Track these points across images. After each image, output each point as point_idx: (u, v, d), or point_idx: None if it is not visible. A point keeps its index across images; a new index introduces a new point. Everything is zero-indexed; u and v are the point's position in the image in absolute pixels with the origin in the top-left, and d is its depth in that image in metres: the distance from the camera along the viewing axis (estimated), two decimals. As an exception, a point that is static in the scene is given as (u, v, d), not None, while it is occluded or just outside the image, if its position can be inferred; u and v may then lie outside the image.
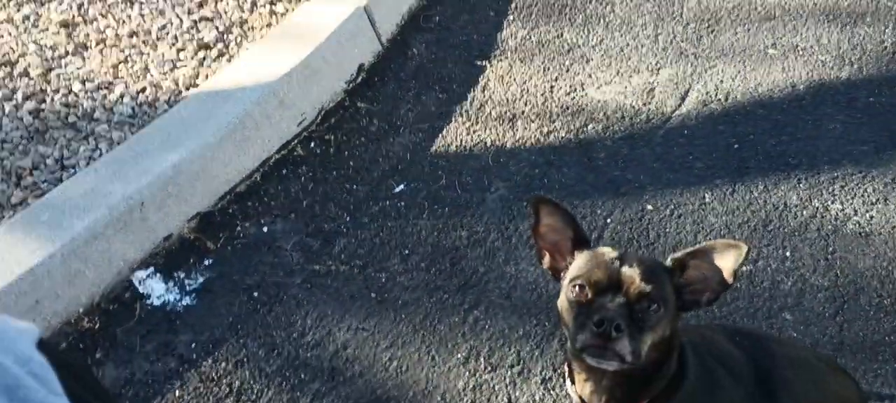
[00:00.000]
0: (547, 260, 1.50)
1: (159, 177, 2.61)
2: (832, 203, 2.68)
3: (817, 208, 2.66)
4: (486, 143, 3.11)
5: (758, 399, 1.50)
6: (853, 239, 2.53)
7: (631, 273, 1.33)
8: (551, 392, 2.14)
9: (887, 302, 2.31)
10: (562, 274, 1.46)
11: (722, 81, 3.27)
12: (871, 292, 2.35)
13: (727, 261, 1.35)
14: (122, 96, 3.03)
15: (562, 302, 1.43)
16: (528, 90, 3.33)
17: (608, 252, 1.41)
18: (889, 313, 2.27)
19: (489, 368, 2.23)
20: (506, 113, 3.23)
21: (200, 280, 2.59)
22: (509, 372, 2.22)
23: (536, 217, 1.47)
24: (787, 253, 2.50)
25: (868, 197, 2.69)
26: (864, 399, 1.69)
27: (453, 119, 3.22)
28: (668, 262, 1.40)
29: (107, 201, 2.51)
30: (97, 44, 3.30)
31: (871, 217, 2.61)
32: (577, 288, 1.36)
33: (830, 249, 2.51)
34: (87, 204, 2.51)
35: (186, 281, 2.59)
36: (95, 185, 2.58)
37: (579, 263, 1.42)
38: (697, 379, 1.42)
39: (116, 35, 3.35)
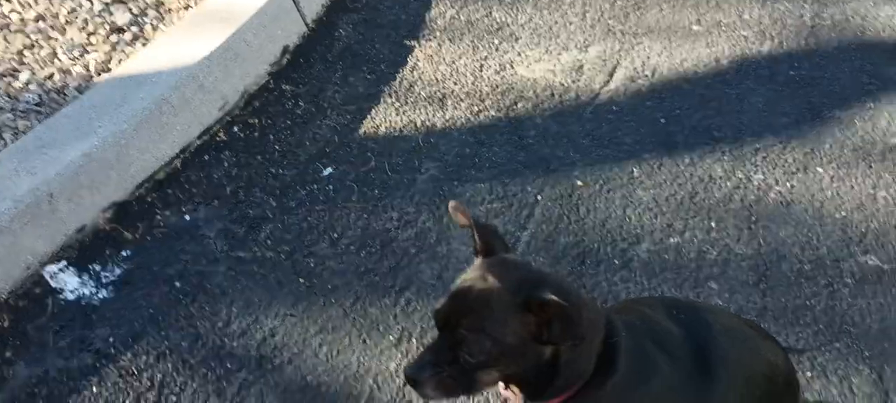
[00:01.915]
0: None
1: (69, 167, 2.47)
2: (755, 173, 2.73)
3: (741, 179, 2.72)
4: (415, 124, 3.06)
5: (696, 377, 1.49)
6: (775, 209, 2.59)
7: (458, 316, 1.29)
8: (484, 370, 2.12)
9: (807, 267, 2.37)
10: None
11: (649, 58, 3.31)
12: (792, 259, 2.41)
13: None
14: (27, 83, 2.86)
15: None
16: (457, 69, 3.29)
17: (475, 271, 1.34)
18: (809, 278, 2.33)
19: (422, 348, 2.19)
20: (435, 93, 3.19)
21: (118, 272, 2.47)
22: (442, 353, 2.18)
23: (454, 218, 1.45)
24: (713, 224, 2.55)
25: (789, 166, 2.75)
26: (790, 365, 1.71)
27: (382, 100, 3.16)
28: (522, 299, 1.27)
29: (12, 193, 2.36)
30: (0, 29, 3.11)
31: (792, 186, 2.67)
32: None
33: (753, 219, 2.56)
34: (-9, 196, 2.35)
35: (103, 274, 2.46)
36: (-1, 176, 2.42)
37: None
38: (630, 369, 1.39)
39: (22, 19, 3.16)
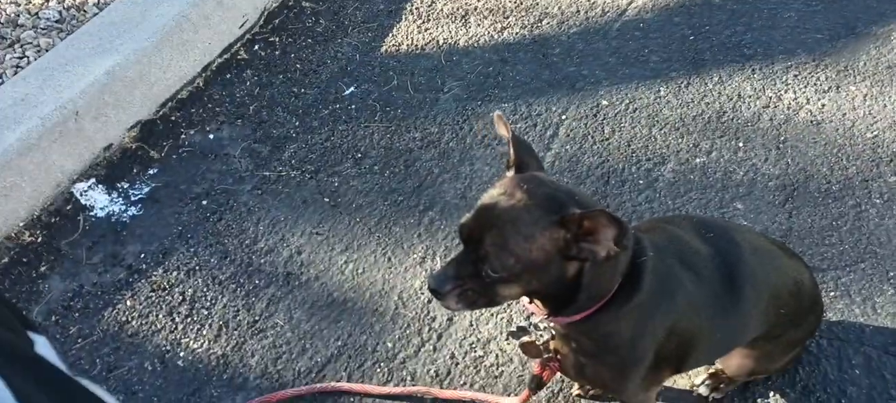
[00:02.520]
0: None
1: (93, 85, 2.47)
2: (785, 92, 2.68)
3: (770, 98, 2.66)
4: (437, 42, 3.01)
5: (721, 295, 1.50)
6: (804, 128, 2.55)
7: (482, 231, 1.28)
8: (507, 287, 2.14)
9: (835, 188, 2.34)
10: None
11: (678, -28, 3.20)
12: (820, 179, 2.38)
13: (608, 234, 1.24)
14: (47, 0, 2.84)
15: None
16: (480, -15, 3.21)
17: (503, 186, 1.32)
18: (837, 199, 2.31)
19: (445, 262, 2.22)
20: (458, 9, 3.13)
21: (145, 190, 2.50)
22: (465, 270, 2.21)
23: (498, 129, 1.43)
24: (740, 144, 2.51)
25: (821, 85, 2.69)
26: (816, 284, 1.71)
27: (403, 17, 3.11)
28: (557, 217, 1.26)
29: (38, 111, 2.38)
30: (18, -57, 3.06)
31: (823, 105, 2.62)
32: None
33: (782, 138, 2.52)
34: (18, 114, 2.37)
35: (131, 192, 2.49)
36: (25, 95, 2.43)
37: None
38: (655, 288, 1.40)
39: (38, -67, 3.11)
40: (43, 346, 0.80)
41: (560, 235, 1.26)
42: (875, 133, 2.50)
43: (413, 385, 1.94)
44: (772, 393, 1.85)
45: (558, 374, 1.66)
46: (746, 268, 1.53)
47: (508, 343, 2.01)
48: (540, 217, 1.26)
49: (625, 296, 1.38)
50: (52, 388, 0.69)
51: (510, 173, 1.38)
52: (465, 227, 1.32)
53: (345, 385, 1.94)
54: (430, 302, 2.13)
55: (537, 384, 1.67)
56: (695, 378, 1.87)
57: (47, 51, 2.64)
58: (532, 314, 1.51)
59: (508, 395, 1.90)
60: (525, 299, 1.46)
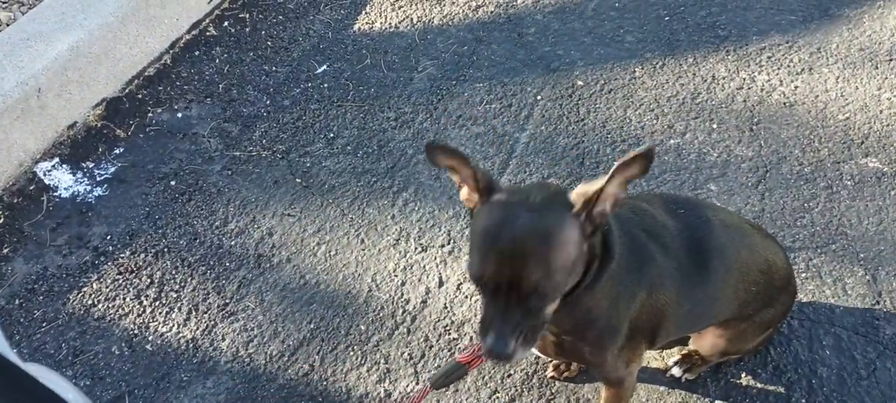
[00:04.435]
0: (464, 192, 1.31)
1: (56, 61, 2.39)
2: (759, 74, 2.68)
3: (744, 79, 2.67)
4: (412, 20, 2.96)
5: (688, 268, 1.50)
6: (777, 110, 2.56)
7: (521, 268, 1.17)
8: (482, 269, 2.13)
9: (807, 169, 2.36)
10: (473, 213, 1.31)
11: (654, -48, 3.19)
12: (792, 161, 2.39)
13: (634, 169, 1.20)
14: (8, -28, 2.74)
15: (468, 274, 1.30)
16: (455, -37, 3.17)
17: (499, 216, 1.21)
18: (809, 180, 2.32)
19: (419, 248, 2.20)
20: (433, -13, 3.08)
21: (111, 169, 2.44)
22: (440, 252, 2.19)
23: (433, 162, 1.27)
24: (714, 125, 2.51)
25: (794, 67, 2.70)
26: (789, 265, 1.72)
27: (378, -6, 3.05)
28: (574, 205, 1.21)
29: (-1, 88, 2.30)
30: (-25, -87, 2.95)
31: (796, 87, 2.63)
32: (473, 281, 1.25)
33: (755, 120, 2.53)
34: (-23, 91, 2.29)
35: (96, 171, 2.43)
36: (-16, 71, 2.35)
37: (478, 235, 1.22)
38: (623, 258, 1.38)
39: None
40: None
41: (582, 220, 1.22)
42: (847, 115, 2.52)
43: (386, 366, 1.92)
44: (743, 374, 1.86)
45: (532, 356, 1.65)
46: (715, 243, 1.53)
47: (483, 326, 1.99)
48: (564, 217, 1.20)
49: (599, 268, 1.35)
50: None
51: (483, 203, 1.26)
52: (492, 276, 1.21)
53: None
54: (403, 283, 2.11)
55: (461, 373, 1.59)
56: (668, 359, 1.88)
57: (8, 25, 2.55)
58: None
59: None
60: None
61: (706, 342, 1.76)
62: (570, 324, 1.46)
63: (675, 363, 1.86)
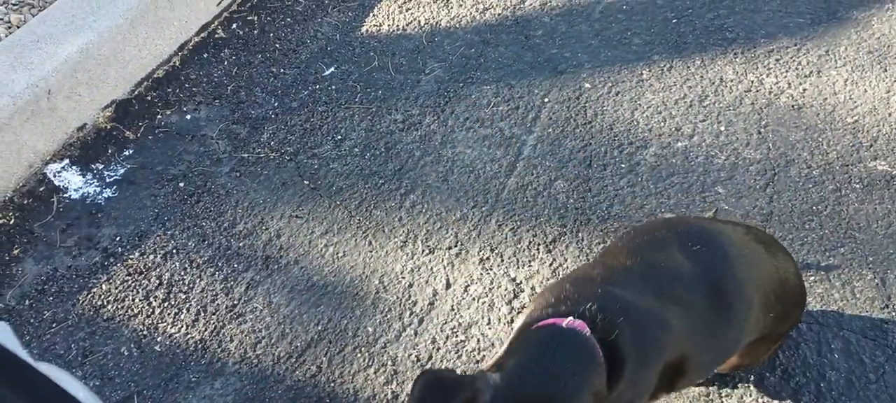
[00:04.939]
0: None
1: (66, 63, 2.41)
2: (767, 76, 2.68)
3: (752, 82, 2.66)
4: (419, 22, 2.97)
5: (709, 318, 1.44)
6: (786, 112, 2.55)
7: None
8: (489, 271, 2.13)
9: (816, 172, 2.35)
10: None
11: (661, -46, 3.18)
12: (801, 163, 2.38)
13: None
14: (18, -26, 2.76)
15: None
16: (463, -35, 3.17)
17: None
18: (817, 183, 2.32)
19: (427, 251, 2.21)
20: (440, -11, 3.09)
21: (121, 171, 2.45)
22: (447, 254, 2.19)
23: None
24: (722, 128, 2.51)
25: (802, 69, 2.69)
26: (799, 274, 1.67)
27: (385, -3, 3.06)
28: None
29: (9, 89, 2.31)
30: (-14, -84, 2.97)
31: (805, 89, 2.62)
32: None
33: (764, 123, 2.52)
34: (-12, 93, 2.30)
35: (106, 173, 2.44)
36: (-5, 73, 2.37)
37: None
38: (637, 351, 1.33)
39: None
40: (2, 332, 0.78)
41: None
42: (855, 118, 2.51)
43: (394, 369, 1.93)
44: (752, 378, 1.86)
45: None
46: (734, 282, 1.47)
47: (490, 328, 2.00)
48: None
49: (616, 375, 1.31)
50: (7, 375, 0.66)
51: None
52: None
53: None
54: (411, 285, 2.11)
55: None
56: (675, 363, 1.88)
57: (19, 27, 2.57)
58: None
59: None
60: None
61: None
62: None
63: (683, 366, 1.85)
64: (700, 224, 1.61)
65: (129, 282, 2.16)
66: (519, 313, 2.00)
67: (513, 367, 1.27)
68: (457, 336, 1.99)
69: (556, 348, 1.27)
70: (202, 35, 2.86)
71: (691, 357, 1.44)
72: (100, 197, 2.38)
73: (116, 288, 2.14)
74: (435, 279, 2.13)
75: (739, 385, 1.85)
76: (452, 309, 2.05)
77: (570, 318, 1.33)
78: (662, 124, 2.53)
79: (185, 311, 2.08)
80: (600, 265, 1.53)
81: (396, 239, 2.24)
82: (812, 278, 2.06)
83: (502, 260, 2.16)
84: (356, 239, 2.25)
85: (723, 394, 1.83)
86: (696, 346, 1.44)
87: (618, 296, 1.37)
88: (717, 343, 1.49)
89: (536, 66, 2.78)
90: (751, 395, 1.83)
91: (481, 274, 2.14)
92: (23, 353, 0.80)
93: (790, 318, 1.67)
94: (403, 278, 2.14)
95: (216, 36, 2.89)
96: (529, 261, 2.15)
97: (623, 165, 2.41)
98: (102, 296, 2.12)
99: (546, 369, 1.24)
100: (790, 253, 1.71)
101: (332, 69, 2.80)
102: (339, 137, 2.55)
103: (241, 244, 2.25)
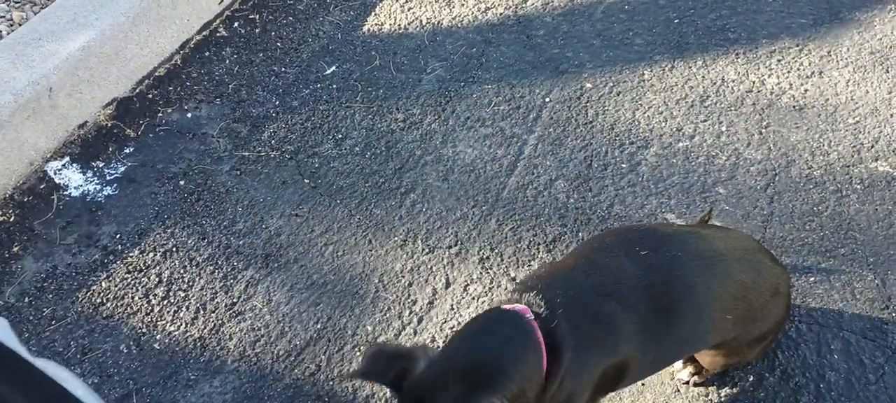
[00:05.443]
0: None
1: (68, 61, 2.41)
2: (769, 77, 2.67)
3: (754, 82, 2.66)
4: (421, 22, 2.97)
5: (651, 320, 1.45)
6: (787, 113, 2.54)
7: None
8: (488, 270, 2.13)
9: (817, 173, 2.35)
10: None
11: (663, -46, 3.18)
12: (802, 164, 2.38)
13: None
14: (20, -28, 2.76)
15: None
16: (465, -35, 3.17)
17: None
18: (818, 184, 2.31)
19: (427, 250, 2.20)
20: (442, -11, 3.09)
21: (121, 169, 2.45)
22: (447, 253, 2.19)
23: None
24: (723, 128, 2.51)
25: (804, 70, 2.69)
26: (773, 276, 1.62)
27: (387, -4, 3.06)
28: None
29: (11, 87, 2.32)
30: (-11, -86, 2.98)
31: (806, 90, 2.62)
32: None
33: (765, 123, 2.51)
34: (-11, 90, 2.31)
35: (106, 171, 2.44)
36: (-3, 70, 2.37)
37: None
38: (577, 342, 1.37)
39: None
40: (1, 329, 0.78)
41: None
42: (857, 119, 2.51)
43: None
44: (751, 378, 1.85)
45: None
46: (681, 285, 1.47)
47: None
48: None
49: (556, 366, 1.35)
50: (6, 372, 0.66)
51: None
52: None
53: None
54: (410, 284, 2.11)
55: None
56: (675, 364, 1.87)
57: (21, 25, 2.58)
58: None
59: None
60: None
61: (705, 359, 1.74)
62: None
63: (683, 369, 1.85)
64: (653, 229, 1.61)
65: (129, 280, 2.16)
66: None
67: (452, 340, 1.37)
68: (456, 335, 1.99)
69: (493, 325, 1.36)
70: (204, 33, 2.86)
71: (633, 360, 1.46)
72: (100, 194, 2.38)
73: (116, 286, 2.14)
74: (435, 278, 2.13)
75: (738, 385, 1.84)
76: (452, 308, 2.05)
77: (515, 305, 1.40)
78: (664, 124, 2.53)
79: (184, 309, 2.08)
80: (559, 263, 1.58)
81: (396, 238, 2.24)
82: (812, 279, 2.05)
83: (502, 260, 2.16)
84: (356, 238, 2.25)
85: (722, 394, 1.83)
86: (639, 348, 1.45)
87: (562, 290, 1.42)
88: (661, 345, 1.49)
89: (538, 65, 2.78)
90: (749, 395, 1.82)
91: (481, 273, 2.13)
92: (21, 350, 0.80)
93: (767, 317, 1.62)
94: (403, 277, 2.13)
95: (218, 34, 2.89)
96: (529, 261, 2.15)
97: (624, 165, 2.40)
98: (102, 294, 2.13)
99: (482, 342, 1.32)
100: (771, 257, 1.66)
101: (334, 68, 2.80)
102: (340, 136, 2.55)
103: (240, 242, 2.25)
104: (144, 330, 2.04)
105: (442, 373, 1.25)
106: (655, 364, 1.57)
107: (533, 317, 1.38)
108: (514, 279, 2.10)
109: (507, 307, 1.40)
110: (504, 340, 1.32)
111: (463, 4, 3.03)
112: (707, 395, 1.83)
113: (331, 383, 1.91)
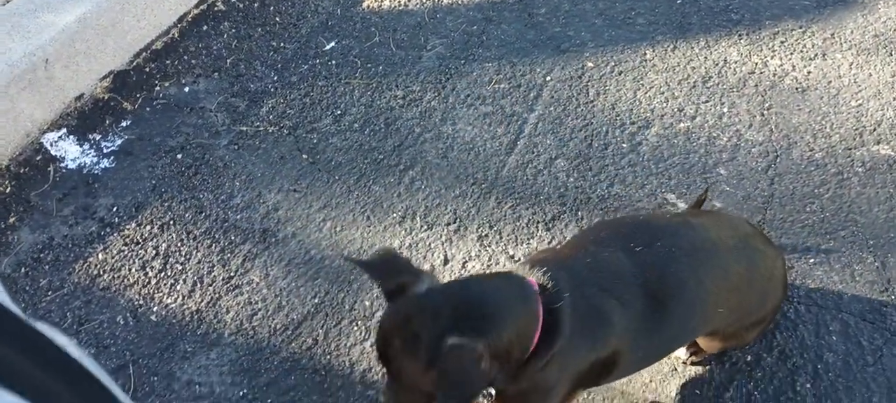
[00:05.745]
0: None
1: (64, 32, 2.39)
2: (772, 58, 2.65)
3: (756, 64, 2.64)
4: (422, -2, 2.94)
5: (644, 316, 1.44)
6: (789, 95, 2.53)
7: (385, 363, 1.27)
8: (487, 248, 2.12)
9: (818, 155, 2.33)
10: None
11: (667, -66, 3.15)
12: (803, 146, 2.37)
13: None
14: (17, -58, 2.73)
15: None
16: (466, -58, 3.14)
17: (387, 321, 1.27)
18: (819, 166, 2.30)
19: (425, 227, 2.19)
20: (443, -34, 3.06)
21: (118, 142, 2.44)
22: (446, 230, 2.18)
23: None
24: (725, 109, 2.49)
25: (807, 52, 2.67)
26: (770, 264, 1.61)
27: (387, -28, 3.03)
28: (424, 361, 1.21)
29: (6, 57, 2.29)
30: None
31: (809, 72, 2.60)
32: None
33: (767, 105, 2.50)
34: (-15, 60, 2.28)
35: (103, 143, 2.43)
36: (-7, 40, 2.35)
37: None
38: (574, 329, 1.35)
39: None
40: None
41: (433, 375, 1.21)
42: (859, 101, 2.49)
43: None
44: (748, 358, 1.85)
45: None
46: (674, 281, 1.46)
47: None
48: (415, 367, 1.23)
49: (547, 345, 1.33)
50: (3, 331, 0.65)
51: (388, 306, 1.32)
52: (379, 359, 1.30)
53: None
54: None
55: None
56: (673, 342, 1.87)
57: (16, -5, 2.55)
58: None
59: None
60: None
61: (702, 342, 1.74)
62: (515, 391, 1.41)
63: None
64: (647, 220, 1.60)
65: (126, 252, 2.15)
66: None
67: (459, 279, 1.40)
68: (454, 311, 1.98)
69: (502, 280, 1.37)
70: (202, 7, 2.83)
71: (622, 356, 1.45)
72: (97, 167, 2.37)
73: (113, 258, 2.13)
74: (433, 255, 2.12)
75: (736, 363, 1.84)
76: (450, 285, 2.04)
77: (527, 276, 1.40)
78: (665, 104, 2.51)
79: (181, 282, 2.08)
80: (561, 251, 1.56)
81: (395, 215, 2.23)
82: (812, 260, 2.05)
83: (501, 238, 2.15)
84: (354, 214, 2.24)
85: (718, 373, 1.83)
86: (629, 345, 1.44)
87: (568, 277, 1.41)
88: (650, 341, 1.48)
89: (539, 44, 2.76)
90: (747, 375, 1.82)
91: (480, 250, 2.12)
92: (15, 309, 0.79)
93: (767, 303, 1.62)
94: (401, 253, 2.12)
95: (216, 8, 2.87)
96: (528, 239, 2.14)
97: (624, 145, 2.39)
98: (98, 266, 2.12)
99: (486, 289, 1.33)
100: (765, 241, 1.65)
101: (333, 44, 2.77)
102: (339, 112, 2.54)
103: (238, 217, 2.24)
104: (141, 302, 2.03)
105: (437, 302, 1.25)
106: (645, 360, 1.57)
107: (539, 292, 1.37)
108: (512, 257, 2.10)
109: (519, 274, 1.40)
110: (508, 296, 1.32)
111: (464, -18, 3.00)
112: (704, 374, 1.83)
113: (328, 357, 1.90)
